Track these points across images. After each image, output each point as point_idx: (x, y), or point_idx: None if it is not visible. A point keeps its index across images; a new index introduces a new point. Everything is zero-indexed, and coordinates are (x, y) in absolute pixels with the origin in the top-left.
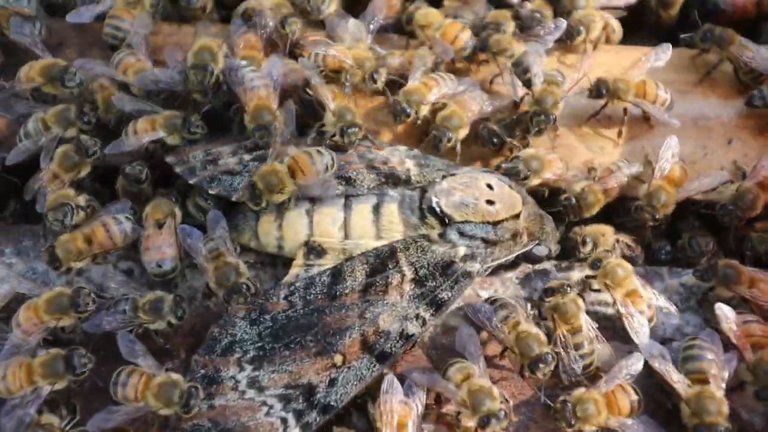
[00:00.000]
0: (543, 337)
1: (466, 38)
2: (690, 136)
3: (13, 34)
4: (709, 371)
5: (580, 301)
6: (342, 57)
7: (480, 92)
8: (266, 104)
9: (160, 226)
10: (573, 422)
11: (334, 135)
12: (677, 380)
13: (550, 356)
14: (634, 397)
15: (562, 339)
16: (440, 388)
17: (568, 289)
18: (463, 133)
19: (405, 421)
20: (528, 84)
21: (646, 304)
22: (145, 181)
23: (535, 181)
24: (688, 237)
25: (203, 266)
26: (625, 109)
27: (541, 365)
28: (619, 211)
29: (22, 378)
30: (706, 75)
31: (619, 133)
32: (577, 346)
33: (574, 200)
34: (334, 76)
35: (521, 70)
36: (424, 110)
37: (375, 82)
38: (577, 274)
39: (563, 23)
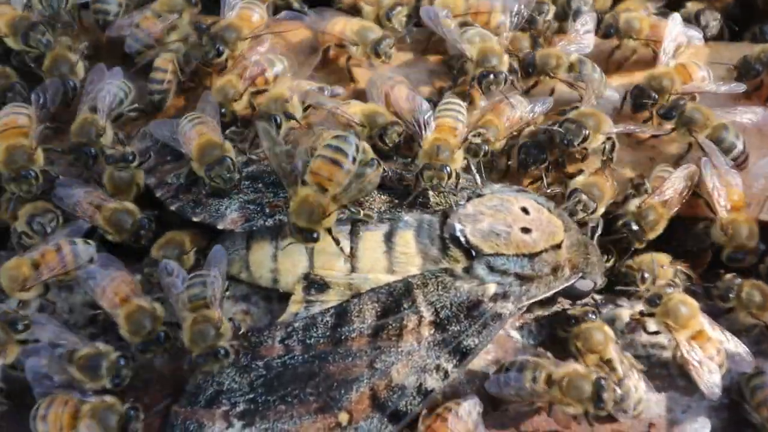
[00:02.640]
0: (584, 368)
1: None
2: (754, 145)
3: None
4: None
5: (608, 330)
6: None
7: (519, 98)
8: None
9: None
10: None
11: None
12: None
13: (603, 380)
14: None
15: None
16: None
17: (593, 316)
18: (500, 145)
19: None
20: None
21: (715, 348)
22: (133, 161)
23: (600, 212)
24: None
25: (179, 315)
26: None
27: (603, 395)
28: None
29: (64, 422)
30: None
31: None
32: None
33: (634, 224)
34: None
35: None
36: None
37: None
38: (626, 311)
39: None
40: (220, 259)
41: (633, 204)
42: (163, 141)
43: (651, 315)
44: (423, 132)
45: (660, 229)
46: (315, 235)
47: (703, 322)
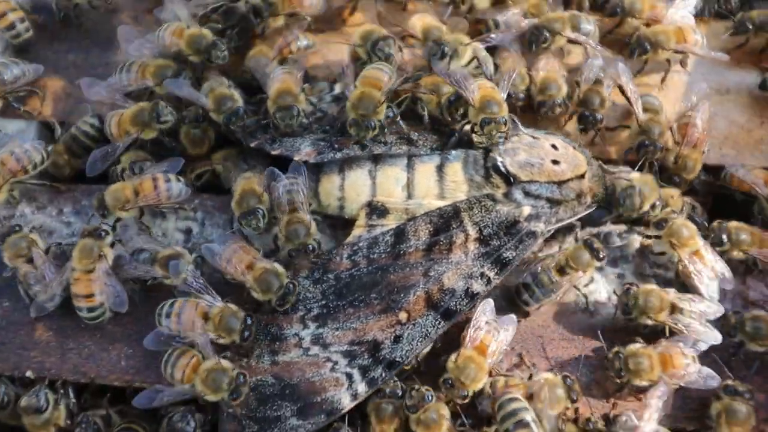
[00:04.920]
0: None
1: None
2: (746, 104)
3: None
4: None
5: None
6: None
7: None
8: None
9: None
10: (623, 374)
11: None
12: None
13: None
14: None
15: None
16: None
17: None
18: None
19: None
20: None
21: (709, 266)
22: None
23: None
24: None
25: (278, 216)
26: (668, 60)
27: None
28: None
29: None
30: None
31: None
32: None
33: (676, 177)
34: None
35: None
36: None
37: None
38: (638, 239)
39: None
40: (301, 171)
41: (669, 160)
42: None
43: (658, 237)
44: (470, 92)
45: (698, 170)
46: (374, 126)
47: (701, 243)
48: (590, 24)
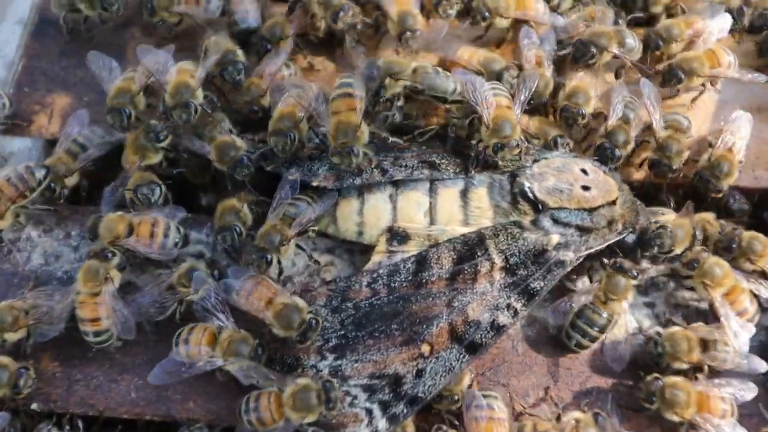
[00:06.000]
0: None
1: None
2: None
3: None
4: None
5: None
6: None
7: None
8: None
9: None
10: (654, 400)
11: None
12: None
13: None
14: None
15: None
16: None
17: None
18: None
19: None
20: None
21: (748, 300)
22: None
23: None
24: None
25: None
26: (703, 84)
27: None
28: None
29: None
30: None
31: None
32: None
33: (711, 177)
34: None
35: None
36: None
37: None
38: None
39: None
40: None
41: (703, 161)
42: None
43: (690, 277)
44: (486, 111)
45: (734, 175)
46: (358, 155)
47: (737, 277)
48: (635, 40)
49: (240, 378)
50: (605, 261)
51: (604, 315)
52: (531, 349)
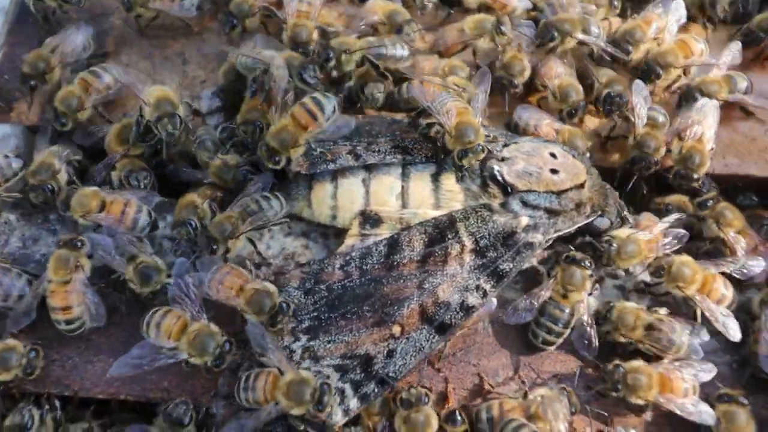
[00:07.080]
0: None
1: None
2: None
3: None
4: None
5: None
6: None
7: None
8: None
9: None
10: (619, 388)
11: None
12: None
13: None
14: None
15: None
16: None
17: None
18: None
19: None
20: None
21: (723, 285)
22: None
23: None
24: None
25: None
26: (679, 76)
27: None
28: None
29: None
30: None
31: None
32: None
33: (683, 170)
34: None
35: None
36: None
37: None
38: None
39: None
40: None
41: (674, 154)
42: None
43: (659, 284)
44: (446, 119)
45: (705, 165)
46: (281, 160)
47: (706, 270)
48: (598, 28)
49: (251, 340)
50: (559, 254)
51: (566, 310)
52: (502, 331)
